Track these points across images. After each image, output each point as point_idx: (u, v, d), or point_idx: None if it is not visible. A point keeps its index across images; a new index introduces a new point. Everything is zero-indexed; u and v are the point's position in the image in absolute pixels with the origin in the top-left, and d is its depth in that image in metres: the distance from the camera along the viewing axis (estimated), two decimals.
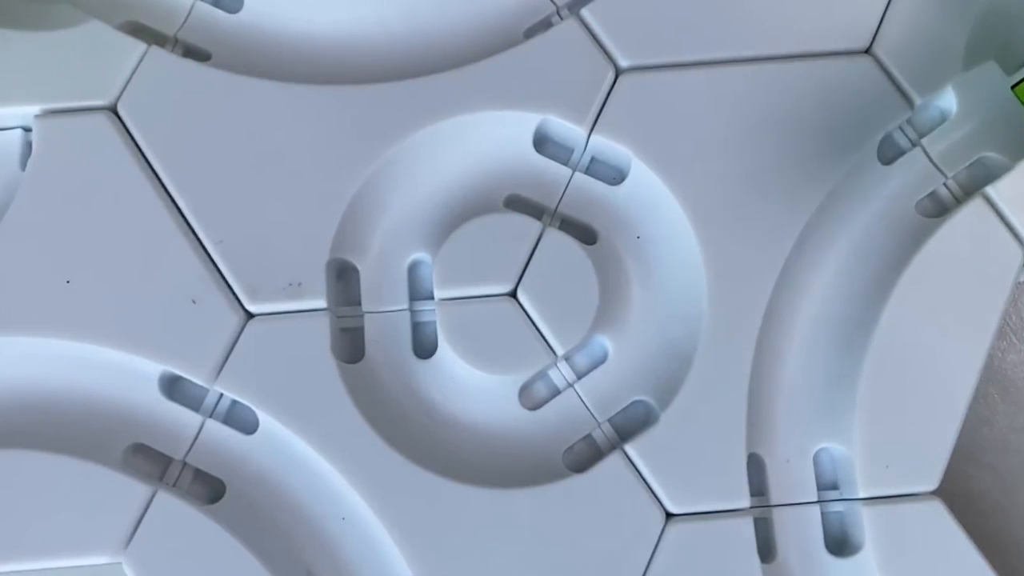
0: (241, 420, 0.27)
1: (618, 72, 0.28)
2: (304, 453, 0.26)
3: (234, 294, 0.27)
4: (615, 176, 0.29)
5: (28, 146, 0.28)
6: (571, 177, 0.29)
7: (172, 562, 0.25)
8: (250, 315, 0.27)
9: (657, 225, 0.28)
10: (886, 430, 0.27)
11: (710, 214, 0.28)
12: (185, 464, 0.27)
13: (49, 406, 0.27)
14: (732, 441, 0.27)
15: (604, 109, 0.28)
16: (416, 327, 0.28)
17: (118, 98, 0.28)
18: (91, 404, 0.27)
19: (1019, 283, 0.29)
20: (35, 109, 0.28)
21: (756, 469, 0.27)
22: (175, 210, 0.27)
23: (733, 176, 0.28)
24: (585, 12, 0.29)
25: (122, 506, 0.26)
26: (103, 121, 0.28)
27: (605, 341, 0.28)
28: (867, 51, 0.29)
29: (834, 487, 0.27)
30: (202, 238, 0.27)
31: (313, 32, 0.29)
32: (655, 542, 0.26)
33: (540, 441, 0.27)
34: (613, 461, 0.26)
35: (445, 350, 0.27)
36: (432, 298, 0.27)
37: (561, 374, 0.27)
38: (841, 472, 0.27)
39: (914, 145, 0.29)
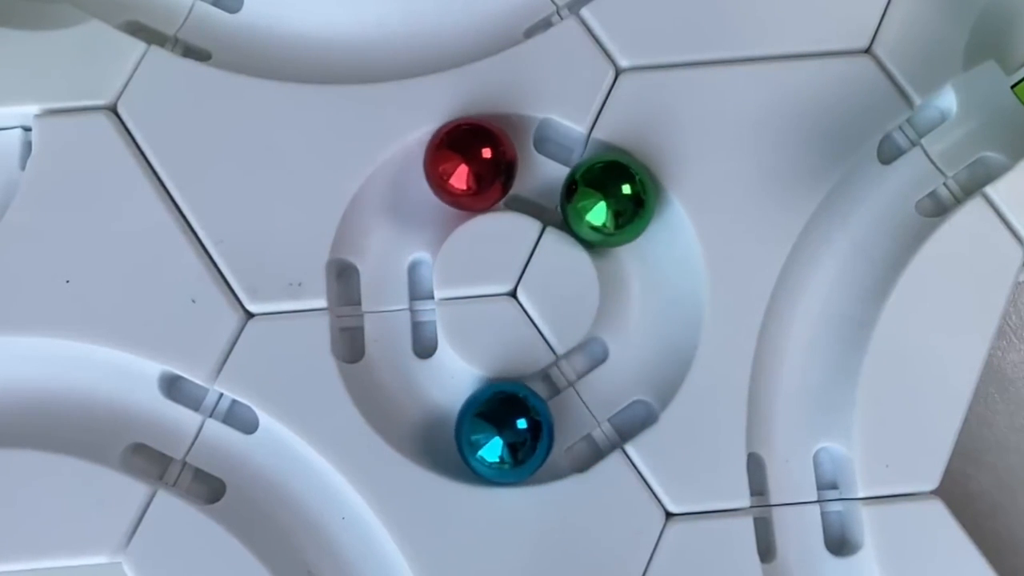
0: (241, 420, 0.27)
1: (618, 72, 0.28)
2: (304, 453, 0.26)
3: (234, 294, 0.27)
4: None
5: (27, 146, 0.28)
6: None
7: (172, 562, 0.25)
8: (250, 315, 0.27)
9: (658, 225, 0.28)
10: (886, 430, 0.27)
11: (710, 214, 0.28)
12: (185, 464, 0.27)
13: (48, 406, 0.27)
14: (732, 441, 0.27)
15: (604, 109, 0.28)
16: (416, 327, 0.28)
17: (118, 98, 0.28)
18: (90, 404, 0.27)
19: (1019, 283, 0.29)
20: (34, 109, 0.28)
21: (756, 469, 0.27)
22: (175, 210, 0.27)
23: (733, 176, 0.28)
24: (585, 12, 0.29)
25: (122, 506, 0.26)
26: (103, 121, 0.28)
27: (605, 341, 0.28)
28: (867, 51, 0.29)
29: (834, 487, 0.27)
30: (202, 238, 0.27)
31: (313, 32, 0.29)
32: (655, 541, 0.26)
33: None
34: (613, 461, 0.26)
35: (445, 350, 0.27)
36: (432, 298, 0.27)
37: (561, 374, 0.27)
38: (841, 472, 0.27)
39: (914, 145, 0.29)
